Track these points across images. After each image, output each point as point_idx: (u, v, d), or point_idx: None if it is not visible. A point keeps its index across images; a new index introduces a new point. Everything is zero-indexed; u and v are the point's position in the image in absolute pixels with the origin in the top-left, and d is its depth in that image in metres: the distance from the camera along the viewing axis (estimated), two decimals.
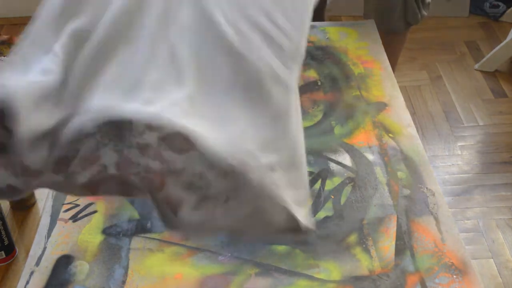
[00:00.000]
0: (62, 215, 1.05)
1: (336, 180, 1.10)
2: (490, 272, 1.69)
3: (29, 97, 0.62)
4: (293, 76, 0.72)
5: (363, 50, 1.43)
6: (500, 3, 2.80)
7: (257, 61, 0.69)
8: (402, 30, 1.71)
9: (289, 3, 0.75)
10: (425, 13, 1.67)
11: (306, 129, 1.20)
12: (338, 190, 1.08)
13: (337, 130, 1.22)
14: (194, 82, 0.66)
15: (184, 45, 0.68)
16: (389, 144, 1.17)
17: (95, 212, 1.06)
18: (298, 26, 0.75)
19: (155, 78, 0.65)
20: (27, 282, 0.94)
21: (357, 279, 0.93)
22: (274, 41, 0.71)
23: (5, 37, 2.80)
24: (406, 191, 1.08)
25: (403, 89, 2.30)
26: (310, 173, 1.11)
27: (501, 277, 1.68)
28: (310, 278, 0.94)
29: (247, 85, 0.68)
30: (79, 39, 0.67)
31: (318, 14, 1.83)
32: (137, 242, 1.00)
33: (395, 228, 1.01)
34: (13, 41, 2.76)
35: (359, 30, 1.50)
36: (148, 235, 1.01)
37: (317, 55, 1.42)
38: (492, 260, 1.72)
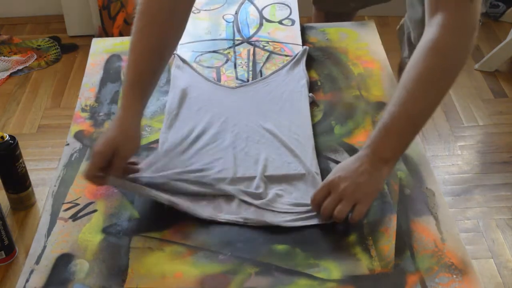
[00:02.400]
0: (62, 214, 1.05)
1: None
2: (490, 272, 1.69)
3: None
4: None
5: (363, 51, 1.43)
6: (500, 3, 2.80)
7: None
8: None
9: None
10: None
11: None
12: None
13: (337, 130, 1.22)
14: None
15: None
16: None
17: (95, 211, 1.05)
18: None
19: None
20: (27, 281, 0.94)
21: (357, 278, 0.93)
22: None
23: (5, 37, 2.80)
24: (406, 191, 1.08)
25: None
26: None
27: (501, 277, 1.68)
28: (310, 277, 0.94)
29: None
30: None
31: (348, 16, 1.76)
32: (137, 241, 1.00)
33: (395, 228, 1.01)
34: (13, 41, 2.76)
35: (359, 31, 1.50)
36: (148, 234, 1.01)
37: (317, 55, 1.42)
38: (492, 260, 1.72)
